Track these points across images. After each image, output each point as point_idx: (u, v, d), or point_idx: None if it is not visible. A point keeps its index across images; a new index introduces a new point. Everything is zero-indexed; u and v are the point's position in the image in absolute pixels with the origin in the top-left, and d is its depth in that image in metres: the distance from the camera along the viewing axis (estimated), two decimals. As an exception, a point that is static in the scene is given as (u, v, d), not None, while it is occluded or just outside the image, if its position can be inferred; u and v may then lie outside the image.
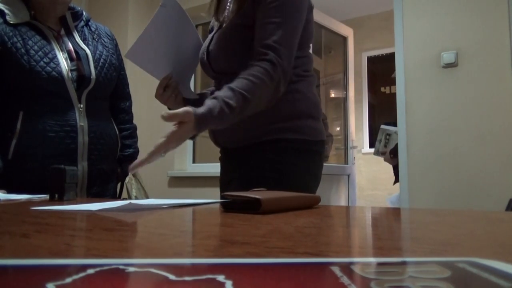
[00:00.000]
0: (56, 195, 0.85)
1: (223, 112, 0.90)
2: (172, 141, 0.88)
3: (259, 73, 0.94)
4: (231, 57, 1.04)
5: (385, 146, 2.84)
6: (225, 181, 1.14)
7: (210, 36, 1.13)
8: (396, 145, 2.68)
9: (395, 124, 2.70)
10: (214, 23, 1.16)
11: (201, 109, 0.89)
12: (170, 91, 1.12)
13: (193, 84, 3.58)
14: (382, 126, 2.97)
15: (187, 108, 0.88)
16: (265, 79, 0.94)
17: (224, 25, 1.07)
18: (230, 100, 0.91)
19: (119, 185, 1.42)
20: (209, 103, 0.90)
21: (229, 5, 1.10)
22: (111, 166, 1.35)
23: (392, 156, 2.77)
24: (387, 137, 2.84)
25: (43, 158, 1.15)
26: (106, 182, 1.33)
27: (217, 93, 0.92)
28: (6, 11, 1.21)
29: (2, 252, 0.30)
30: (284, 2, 0.99)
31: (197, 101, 1.20)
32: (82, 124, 1.22)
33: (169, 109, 1.12)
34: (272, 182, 0.92)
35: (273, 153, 1.03)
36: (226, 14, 1.10)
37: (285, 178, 1.01)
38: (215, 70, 1.10)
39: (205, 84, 3.60)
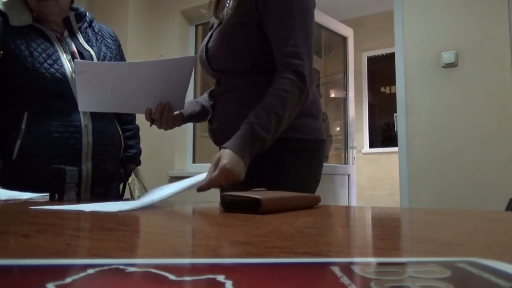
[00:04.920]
0: (56, 195, 0.85)
1: (259, 135, 0.90)
2: (222, 173, 0.85)
3: (288, 86, 0.94)
4: (229, 55, 1.04)
5: None
6: None
7: (209, 33, 1.13)
8: None
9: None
10: (214, 21, 1.16)
11: (232, 141, 0.89)
12: (160, 120, 1.09)
13: (193, 84, 3.58)
14: None
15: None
16: (295, 92, 0.94)
17: (223, 23, 1.07)
18: (263, 120, 0.91)
19: (121, 185, 1.42)
20: (241, 129, 0.91)
21: (229, 3, 1.10)
22: (114, 166, 1.35)
23: None
24: None
25: (48, 159, 1.15)
26: (109, 183, 1.33)
27: (250, 117, 0.92)
28: (9, 14, 1.21)
29: (2, 252, 0.30)
30: (293, 3, 0.98)
31: (200, 115, 1.20)
32: (86, 124, 1.22)
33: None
34: (271, 181, 0.91)
35: (272, 152, 1.03)
36: (225, 12, 1.10)
37: (285, 177, 1.01)
38: (214, 68, 1.09)
39: (205, 84, 3.60)
